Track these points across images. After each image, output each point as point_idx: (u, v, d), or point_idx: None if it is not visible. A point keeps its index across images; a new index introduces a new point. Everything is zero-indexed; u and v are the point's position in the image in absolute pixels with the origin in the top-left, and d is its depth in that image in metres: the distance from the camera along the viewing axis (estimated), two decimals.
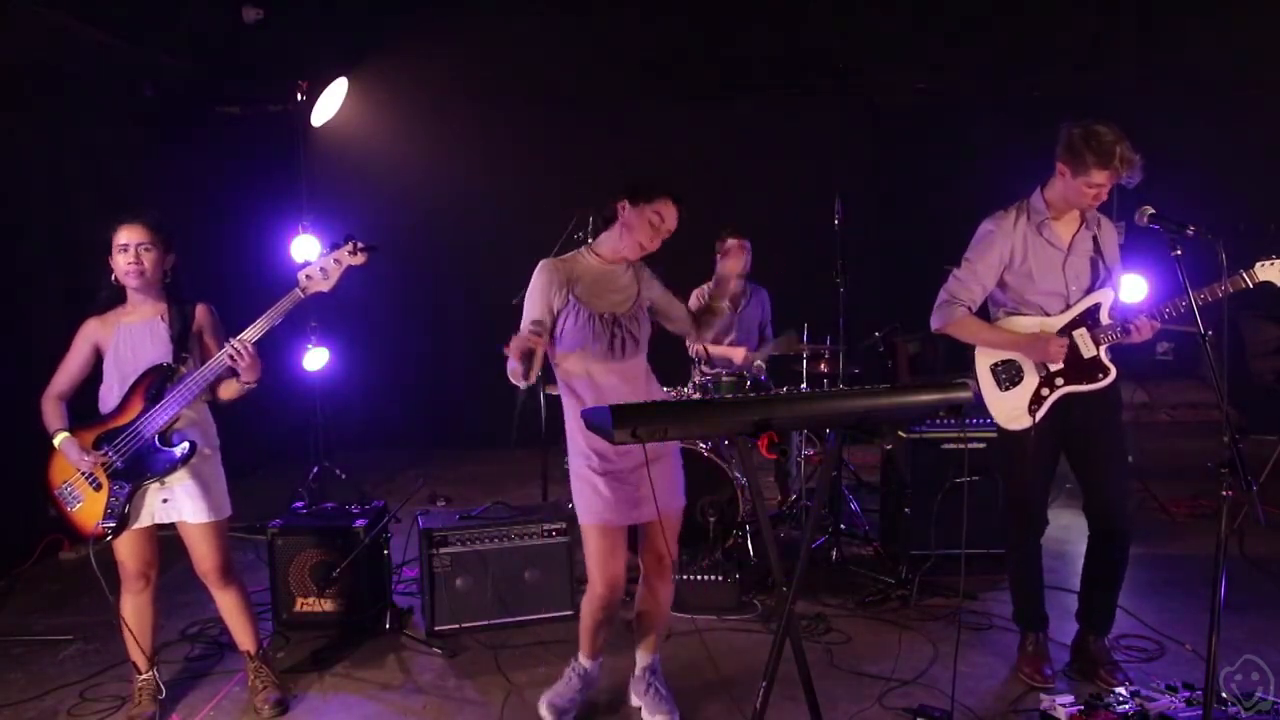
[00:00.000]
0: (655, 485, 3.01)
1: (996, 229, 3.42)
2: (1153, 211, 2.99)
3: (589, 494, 3.06)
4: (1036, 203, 3.41)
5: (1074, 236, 3.39)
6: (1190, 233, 2.91)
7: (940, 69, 7.80)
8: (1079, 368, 3.36)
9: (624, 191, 3.06)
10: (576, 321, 3.03)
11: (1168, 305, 3.22)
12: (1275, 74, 7.00)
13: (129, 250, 3.13)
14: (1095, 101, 7.40)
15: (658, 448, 3.08)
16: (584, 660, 3.33)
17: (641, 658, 3.37)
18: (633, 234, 3.05)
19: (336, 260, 3.15)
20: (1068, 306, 3.39)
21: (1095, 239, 3.40)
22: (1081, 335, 3.35)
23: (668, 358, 5.69)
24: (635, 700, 3.40)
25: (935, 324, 3.52)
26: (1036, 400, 3.39)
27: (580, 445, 3.08)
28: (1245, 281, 3.17)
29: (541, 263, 3.10)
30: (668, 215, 3.04)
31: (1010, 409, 3.44)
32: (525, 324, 3.02)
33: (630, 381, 3.09)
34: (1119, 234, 3.55)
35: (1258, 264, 3.17)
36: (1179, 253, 2.88)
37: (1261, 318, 8.23)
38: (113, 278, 3.19)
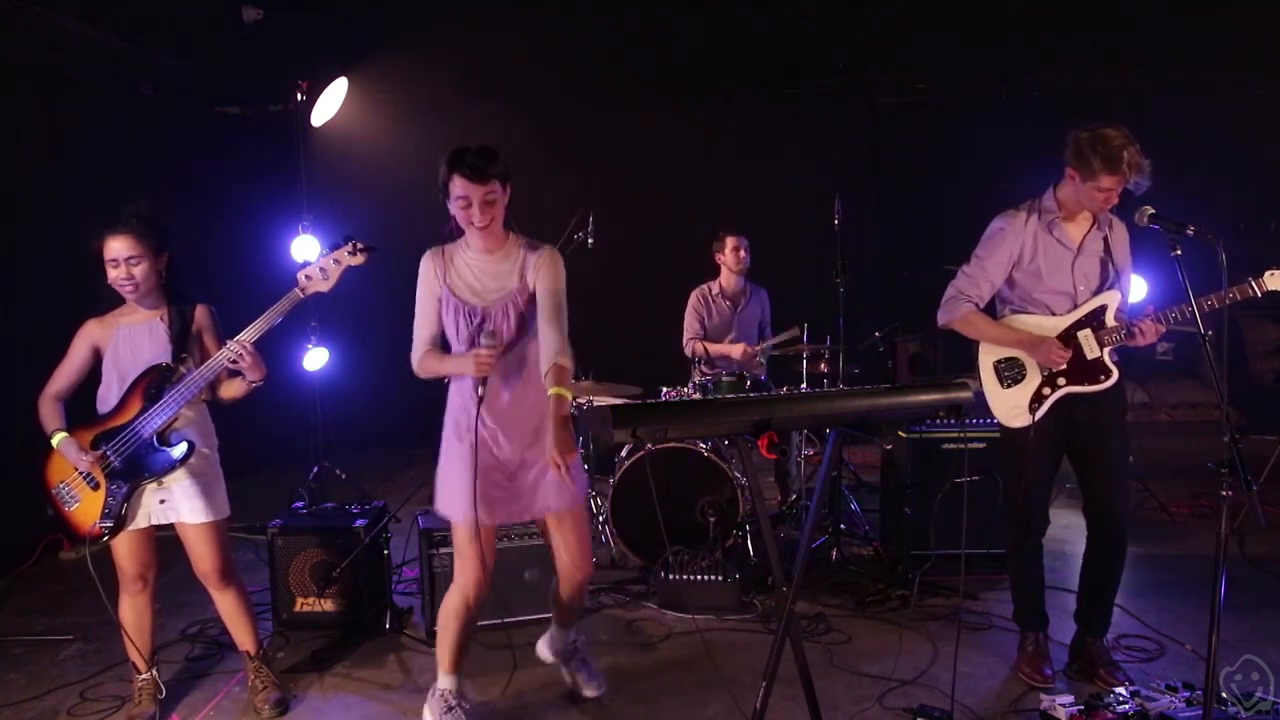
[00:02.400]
0: (539, 483, 3.02)
1: (1007, 226, 3.42)
2: (1153, 211, 2.98)
3: (455, 487, 2.98)
4: (1048, 202, 3.40)
5: (1085, 237, 3.38)
6: (1190, 233, 2.91)
7: (940, 69, 7.80)
8: (1082, 368, 3.36)
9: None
10: (448, 312, 3.02)
11: (1173, 310, 3.21)
12: (1275, 74, 7.00)
13: (119, 265, 3.11)
14: (1095, 101, 7.44)
15: (535, 445, 3.01)
16: (447, 680, 3.19)
17: (569, 633, 3.46)
18: (460, 221, 2.94)
19: (336, 260, 3.15)
20: (1074, 307, 3.38)
21: (1106, 240, 3.40)
22: (1086, 336, 3.35)
23: (668, 358, 5.74)
24: (551, 658, 3.52)
25: (941, 318, 3.52)
26: (1038, 399, 3.39)
27: (451, 436, 3.04)
28: (1253, 290, 3.17)
29: (427, 252, 3.07)
30: (466, 190, 2.85)
31: (1011, 406, 3.44)
32: (419, 318, 3.04)
33: (507, 376, 2.99)
34: None
35: (1267, 273, 3.17)
36: (1179, 253, 2.88)
37: (1262, 317, 8.24)
38: (109, 281, 3.17)
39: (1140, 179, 3.15)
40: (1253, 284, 3.17)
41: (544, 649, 3.58)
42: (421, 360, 3.06)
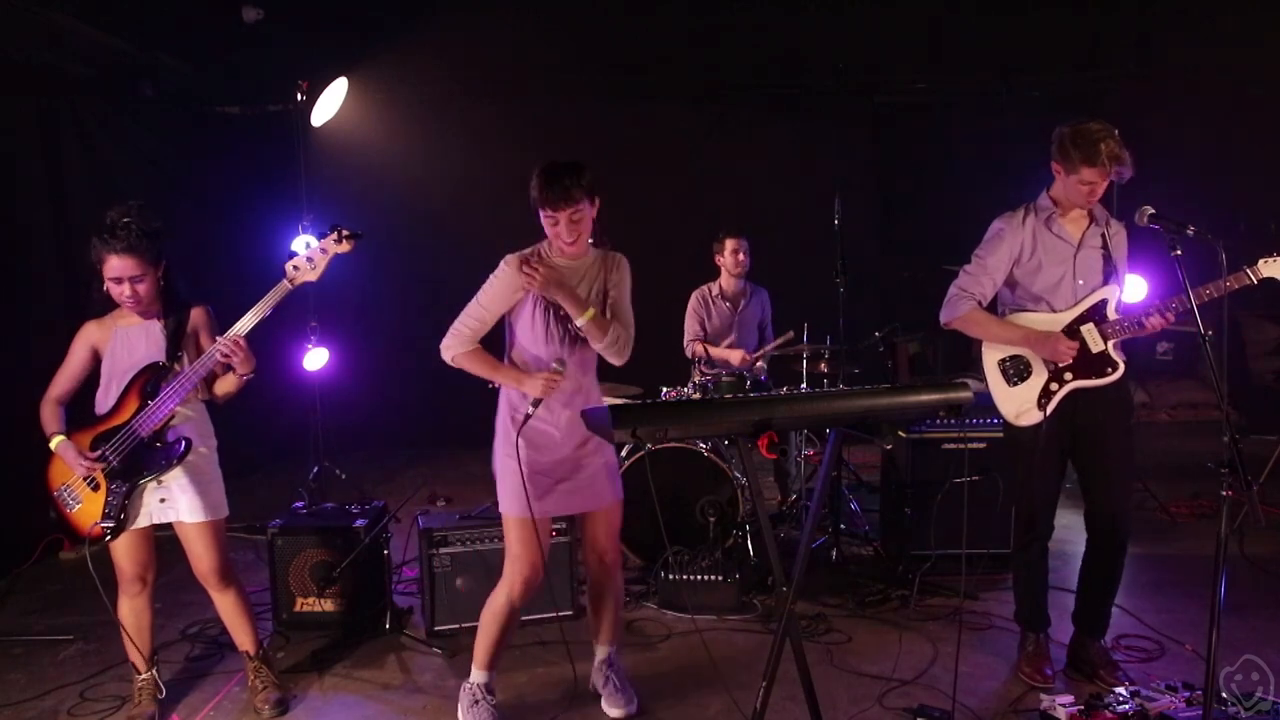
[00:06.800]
0: (590, 478, 3.15)
1: (1006, 226, 3.44)
2: (1153, 211, 2.98)
3: (515, 484, 3.06)
4: (1043, 201, 3.42)
5: (1084, 233, 3.39)
6: (1190, 233, 2.90)
7: (940, 69, 7.80)
8: (1088, 362, 3.35)
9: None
10: (534, 313, 3.08)
11: (1174, 300, 3.21)
12: (1275, 74, 7.00)
13: (122, 283, 3.09)
14: (1095, 101, 7.44)
15: (589, 442, 3.14)
16: (480, 675, 3.24)
17: (599, 650, 3.44)
18: (550, 237, 3.09)
19: (323, 249, 3.13)
20: (1075, 302, 3.39)
21: (1104, 236, 3.40)
22: (1089, 330, 3.35)
23: (668, 357, 5.74)
24: (596, 689, 3.45)
25: (944, 317, 3.50)
26: (1045, 395, 3.38)
27: (510, 436, 3.11)
28: (1249, 278, 3.17)
29: (507, 257, 3.11)
30: (557, 215, 3.01)
31: (1019, 404, 3.42)
32: (479, 313, 3.08)
33: (584, 372, 3.16)
34: None
35: (1261, 261, 3.18)
36: (1179, 252, 2.88)
37: (1262, 317, 8.24)
38: (105, 288, 3.14)
39: (1121, 169, 3.16)
40: (1248, 271, 3.18)
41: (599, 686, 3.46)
42: (468, 356, 3.10)
